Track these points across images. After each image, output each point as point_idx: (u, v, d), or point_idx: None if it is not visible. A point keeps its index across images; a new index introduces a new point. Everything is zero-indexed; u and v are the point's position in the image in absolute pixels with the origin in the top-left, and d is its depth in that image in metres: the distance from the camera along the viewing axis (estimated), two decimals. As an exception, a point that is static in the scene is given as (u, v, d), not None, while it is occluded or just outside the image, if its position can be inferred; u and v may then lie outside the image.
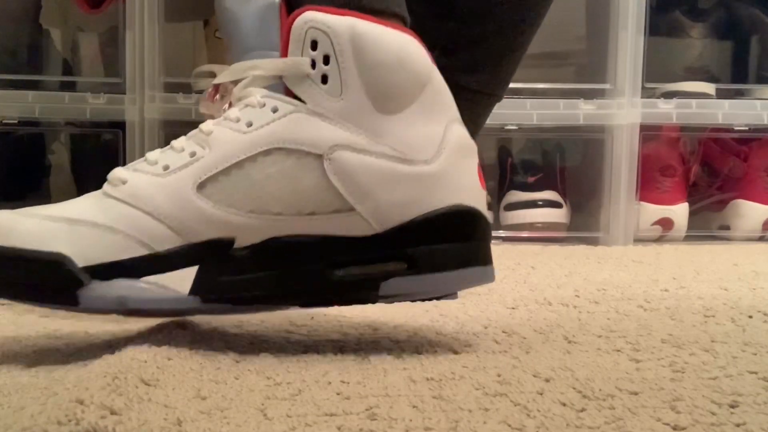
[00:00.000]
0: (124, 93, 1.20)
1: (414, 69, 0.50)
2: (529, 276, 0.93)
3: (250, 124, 0.50)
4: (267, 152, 0.50)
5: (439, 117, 0.52)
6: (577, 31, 1.46)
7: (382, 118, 0.50)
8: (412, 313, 0.68)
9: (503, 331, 0.61)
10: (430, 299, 0.74)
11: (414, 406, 0.42)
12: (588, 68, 1.42)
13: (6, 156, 1.34)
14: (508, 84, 0.73)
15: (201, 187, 0.49)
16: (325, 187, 0.50)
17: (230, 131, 0.50)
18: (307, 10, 0.50)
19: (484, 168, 1.44)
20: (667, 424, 0.40)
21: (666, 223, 1.34)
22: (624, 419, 0.40)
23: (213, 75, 1.24)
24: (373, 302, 0.52)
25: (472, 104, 0.71)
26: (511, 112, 1.26)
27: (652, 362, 0.52)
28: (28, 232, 0.49)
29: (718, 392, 0.45)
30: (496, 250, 1.25)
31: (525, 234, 1.31)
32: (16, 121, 1.23)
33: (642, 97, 1.27)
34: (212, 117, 0.54)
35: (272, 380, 0.47)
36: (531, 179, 1.35)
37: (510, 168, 1.38)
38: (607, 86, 1.28)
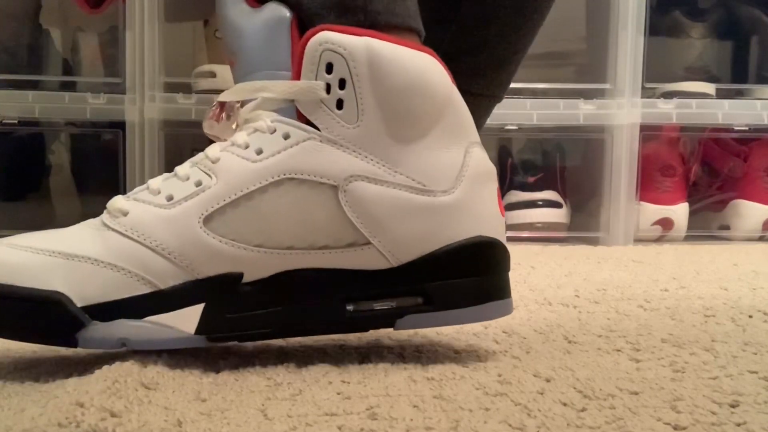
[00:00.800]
0: (124, 93, 1.20)
1: (434, 92, 0.48)
2: (529, 276, 0.93)
3: (260, 152, 0.48)
4: (278, 183, 0.47)
5: (458, 141, 0.49)
6: (577, 31, 1.46)
7: (401, 146, 0.48)
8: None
9: (503, 331, 0.61)
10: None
11: (415, 406, 0.42)
12: (588, 68, 1.42)
13: (6, 156, 1.34)
14: (508, 85, 0.74)
15: (207, 220, 0.47)
16: (339, 219, 0.47)
17: (238, 159, 0.47)
18: (322, 29, 0.47)
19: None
20: (668, 424, 0.40)
21: (666, 223, 1.34)
22: (624, 419, 0.40)
23: (213, 75, 1.24)
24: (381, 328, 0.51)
25: (473, 107, 0.70)
26: (511, 112, 1.26)
27: (653, 362, 0.52)
28: (22, 267, 0.45)
29: (718, 392, 0.45)
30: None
31: (525, 234, 1.31)
32: (16, 121, 1.23)
33: (642, 97, 1.27)
34: (217, 138, 0.52)
35: (272, 381, 0.47)
36: (531, 179, 1.35)
37: (510, 168, 1.38)
38: (607, 86, 1.28)
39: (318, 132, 0.47)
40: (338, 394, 0.44)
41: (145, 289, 0.46)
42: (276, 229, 0.47)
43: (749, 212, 1.36)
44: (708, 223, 1.42)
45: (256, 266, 0.47)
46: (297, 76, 0.47)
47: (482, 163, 0.51)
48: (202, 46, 1.29)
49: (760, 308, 0.70)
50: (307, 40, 0.47)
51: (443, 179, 0.48)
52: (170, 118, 1.21)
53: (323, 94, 0.47)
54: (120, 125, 1.21)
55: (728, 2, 1.48)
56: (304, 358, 0.53)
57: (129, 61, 1.20)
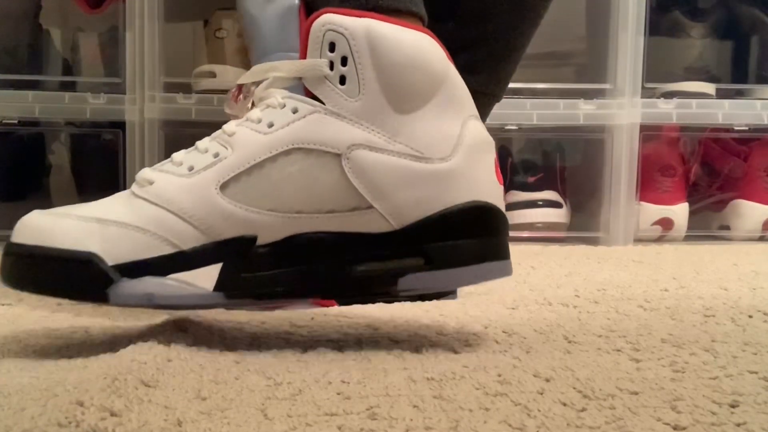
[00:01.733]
0: (124, 93, 1.20)
1: (430, 68, 0.51)
2: (529, 276, 0.93)
3: (271, 125, 0.52)
4: (287, 152, 0.51)
5: (455, 114, 0.52)
6: (577, 31, 1.46)
7: (400, 117, 0.51)
8: (412, 313, 0.68)
9: (503, 331, 0.61)
10: (437, 297, 0.74)
11: (414, 406, 0.42)
12: (588, 68, 1.42)
13: (6, 156, 1.34)
14: (507, 84, 0.74)
15: (224, 187, 0.51)
16: (343, 185, 0.51)
17: (252, 132, 0.52)
18: (325, 12, 0.51)
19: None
20: (668, 424, 0.40)
21: (666, 223, 1.34)
22: (624, 419, 0.40)
23: (213, 75, 1.24)
24: (394, 296, 0.54)
25: None
26: (511, 112, 1.25)
27: (653, 362, 0.52)
28: (64, 233, 0.51)
29: (718, 392, 0.45)
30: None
31: (525, 234, 1.31)
32: (16, 121, 1.23)
33: (642, 97, 1.27)
34: (236, 117, 0.55)
35: (272, 380, 0.47)
36: (531, 179, 1.35)
37: (510, 168, 1.38)
38: (607, 86, 1.28)
39: (323, 105, 0.51)
40: (338, 394, 0.44)
41: (168, 250, 0.51)
42: (286, 194, 0.51)
43: (749, 212, 1.36)
44: (708, 223, 1.42)
45: (269, 229, 0.51)
46: (304, 56, 0.52)
47: (480, 134, 0.54)
48: (202, 46, 1.29)
49: (760, 308, 0.70)
50: (311, 22, 0.51)
51: (441, 148, 0.52)
52: (170, 118, 1.21)
53: (327, 70, 0.51)
54: (120, 125, 1.21)
55: (728, 2, 1.48)
56: (303, 358, 0.53)
57: (129, 61, 1.19)
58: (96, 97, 1.21)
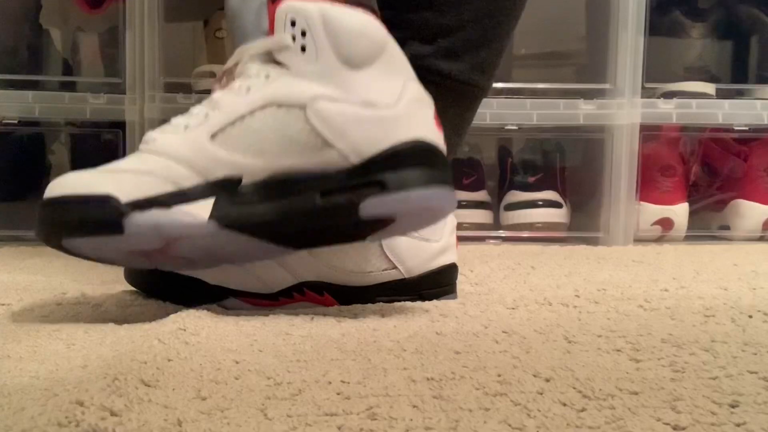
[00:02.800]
0: (124, 93, 1.20)
1: (372, 36, 0.63)
2: (529, 276, 0.93)
3: (248, 89, 0.63)
4: (262, 107, 0.62)
5: (397, 75, 0.63)
6: (577, 31, 1.46)
7: (351, 74, 0.62)
8: (412, 313, 0.68)
9: (503, 331, 0.61)
10: (437, 297, 0.75)
11: (414, 406, 0.42)
12: (588, 68, 1.42)
13: (6, 156, 1.34)
14: (491, 76, 0.75)
15: (213, 137, 0.62)
16: (309, 130, 0.61)
17: (233, 96, 0.64)
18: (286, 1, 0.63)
19: (484, 168, 1.44)
20: (668, 424, 0.40)
21: (666, 223, 1.34)
22: (624, 419, 0.40)
23: (213, 75, 1.24)
24: (355, 226, 0.61)
25: (458, 96, 0.74)
26: (511, 112, 1.26)
27: (652, 362, 0.52)
28: (83, 182, 0.62)
29: (718, 392, 0.45)
30: (496, 250, 1.26)
31: (525, 234, 1.31)
32: (16, 121, 1.23)
33: (642, 97, 1.27)
34: None
35: (272, 380, 0.47)
36: (531, 179, 1.35)
37: (510, 168, 1.38)
38: (607, 86, 1.28)
39: (289, 70, 0.63)
40: (338, 394, 0.44)
41: (171, 188, 0.61)
42: (263, 141, 0.62)
43: (749, 212, 1.36)
44: (708, 223, 1.42)
45: (251, 171, 0.61)
46: (271, 34, 0.64)
47: (418, 92, 0.64)
48: (202, 46, 1.29)
49: (760, 308, 0.70)
50: (276, 7, 0.63)
51: (386, 98, 0.62)
52: (170, 118, 1.21)
53: (290, 42, 0.63)
54: (120, 125, 1.21)
55: (728, 2, 1.48)
56: (303, 357, 0.53)
57: (129, 61, 1.19)
58: (96, 97, 1.21)
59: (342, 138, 0.61)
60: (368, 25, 0.63)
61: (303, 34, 0.62)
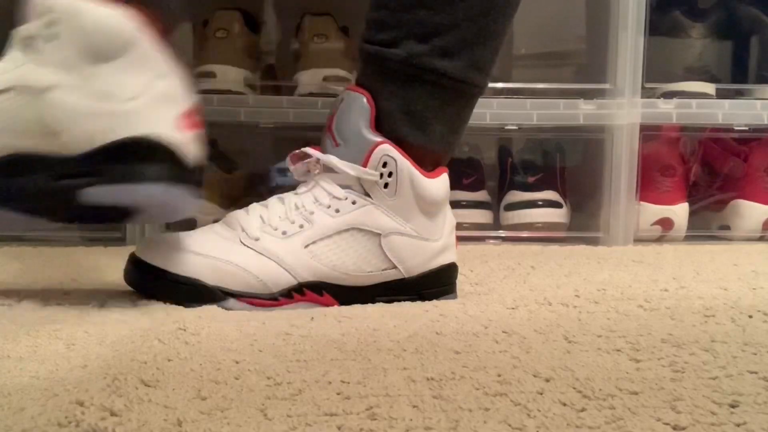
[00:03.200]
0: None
1: (117, 32, 0.65)
2: (529, 276, 0.93)
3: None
4: (8, 89, 0.65)
5: (145, 71, 0.66)
6: (577, 31, 1.46)
7: (93, 67, 0.65)
8: (412, 313, 0.68)
9: (503, 331, 0.61)
10: (437, 297, 0.74)
11: (414, 406, 0.42)
12: (588, 68, 1.42)
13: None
14: (487, 74, 0.75)
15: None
16: (40, 118, 0.64)
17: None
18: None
19: (484, 168, 1.44)
20: (667, 424, 0.40)
21: (666, 223, 1.34)
22: (624, 419, 0.40)
23: (213, 75, 1.24)
24: (80, 210, 0.65)
25: (454, 94, 0.74)
26: (511, 112, 1.26)
27: (652, 362, 0.52)
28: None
29: (718, 392, 0.45)
30: (496, 250, 1.25)
31: (525, 234, 1.31)
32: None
33: (642, 97, 1.27)
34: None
35: (272, 380, 0.47)
36: (531, 179, 1.35)
37: (510, 168, 1.38)
38: (607, 86, 1.28)
39: (37, 57, 0.66)
40: (338, 394, 0.44)
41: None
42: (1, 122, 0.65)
43: (749, 212, 1.36)
44: (708, 223, 1.42)
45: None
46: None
47: (166, 90, 0.66)
48: (202, 46, 1.29)
49: (760, 308, 0.70)
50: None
51: (126, 93, 0.65)
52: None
53: (36, 31, 0.66)
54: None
55: (728, 2, 1.48)
56: (303, 357, 0.53)
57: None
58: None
59: (68, 128, 0.64)
60: (113, 20, 0.65)
61: (49, 25, 0.65)
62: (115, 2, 0.67)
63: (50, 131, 0.64)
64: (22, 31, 0.68)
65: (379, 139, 0.73)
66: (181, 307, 0.69)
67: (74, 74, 0.65)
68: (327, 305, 0.72)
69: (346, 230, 0.73)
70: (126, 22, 0.66)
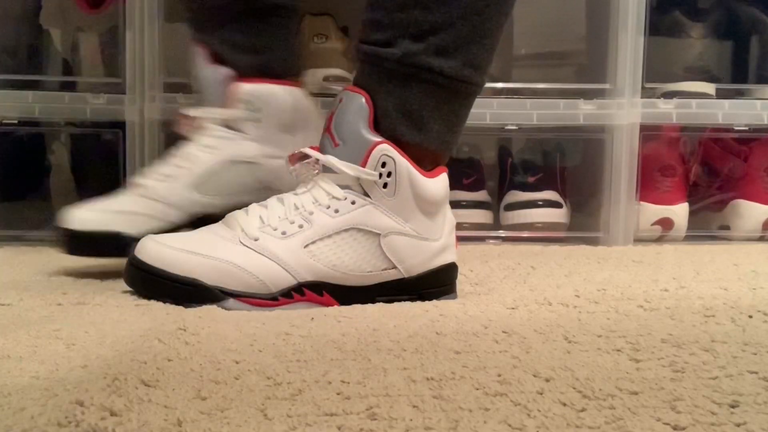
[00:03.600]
0: (124, 93, 1.20)
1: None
2: (529, 276, 0.93)
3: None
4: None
5: None
6: (577, 31, 1.46)
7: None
8: (412, 313, 0.68)
9: (503, 331, 0.61)
10: (437, 297, 0.75)
11: (414, 406, 0.42)
12: (588, 68, 1.42)
13: (6, 156, 1.34)
14: (484, 73, 0.76)
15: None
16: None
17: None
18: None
19: (484, 168, 1.43)
20: (667, 424, 0.40)
21: (666, 223, 1.34)
22: (624, 419, 0.40)
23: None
24: None
25: (451, 93, 0.75)
26: (511, 112, 1.25)
27: (652, 362, 0.52)
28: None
29: (718, 392, 0.45)
30: (496, 250, 1.25)
31: (525, 234, 1.31)
32: (16, 121, 1.23)
33: (642, 97, 1.27)
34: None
35: (272, 380, 0.47)
36: (531, 179, 1.34)
37: (510, 168, 1.38)
38: (607, 86, 1.28)
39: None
40: (338, 394, 0.44)
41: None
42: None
43: (749, 212, 1.36)
44: (708, 223, 1.42)
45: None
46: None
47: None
48: (202, 46, 1.29)
49: (760, 308, 0.70)
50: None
51: None
52: (170, 118, 1.21)
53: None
54: (120, 125, 1.21)
55: (728, 2, 1.48)
56: (303, 357, 0.53)
57: (129, 61, 1.19)
58: (96, 97, 1.21)
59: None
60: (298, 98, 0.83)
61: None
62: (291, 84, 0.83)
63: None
64: (224, 113, 0.86)
65: (377, 138, 0.72)
66: (181, 307, 0.69)
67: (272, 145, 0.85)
68: (327, 305, 0.72)
69: (346, 230, 0.73)
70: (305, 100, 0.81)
